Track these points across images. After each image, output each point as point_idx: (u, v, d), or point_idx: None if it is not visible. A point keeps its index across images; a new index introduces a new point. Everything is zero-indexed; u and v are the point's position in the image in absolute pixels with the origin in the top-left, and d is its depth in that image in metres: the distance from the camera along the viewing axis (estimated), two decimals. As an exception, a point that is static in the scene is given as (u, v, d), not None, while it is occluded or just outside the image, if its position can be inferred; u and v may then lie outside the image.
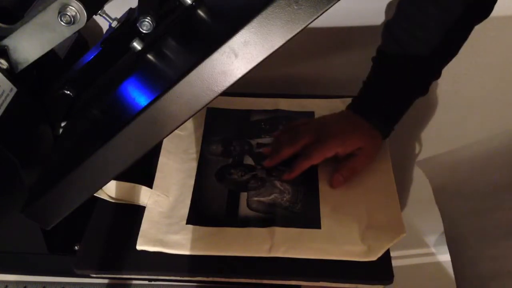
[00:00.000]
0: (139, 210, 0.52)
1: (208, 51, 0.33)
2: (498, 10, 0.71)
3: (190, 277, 0.49)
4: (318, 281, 0.47)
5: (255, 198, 0.53)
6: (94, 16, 0.43)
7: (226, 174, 0.56)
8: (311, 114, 0.63)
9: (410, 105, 0.58)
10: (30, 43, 0.41)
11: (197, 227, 0.50)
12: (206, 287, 0.50)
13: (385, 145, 0.59)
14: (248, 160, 0.57)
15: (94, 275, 0.50)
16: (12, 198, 0.46)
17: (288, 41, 0.33)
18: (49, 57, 0.44)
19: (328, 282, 0.47)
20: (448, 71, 0.79)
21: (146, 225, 0.50)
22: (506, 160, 0.63)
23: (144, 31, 0.40)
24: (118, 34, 0.47)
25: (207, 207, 0.52)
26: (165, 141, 0.58)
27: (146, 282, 0.51)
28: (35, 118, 0.47)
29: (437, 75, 0.57)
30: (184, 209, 0.52)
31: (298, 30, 0.32)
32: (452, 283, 0.63)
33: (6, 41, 0.41)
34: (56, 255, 0.51)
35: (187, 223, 0.51)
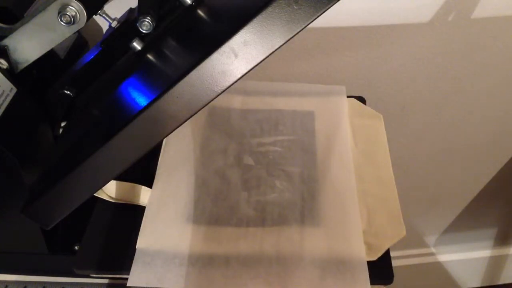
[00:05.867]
0: (139, 210, 0.52)
1: (208, 51, 0.33)
2: (498, 10, 0.71)
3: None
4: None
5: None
6: (94, 16, 0.44)
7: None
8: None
9: None
10: (30, 43, 0.41)
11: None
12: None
13: (385, 144, 0.59)
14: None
15: (94, 275, 0.51)
16: (12, 198, 0.46)
17: (288, 41, 0.33)
18: (49, 57, 0.44)
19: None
20: (449, 71, 0.79)
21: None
22: None
23: (144, 31, 0.40)
24: (118, 34, 0.47)
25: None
26: (165, 141, 0.59)
27: (146, 282, 0.51)
28: (35, 118, 0.47)
29: None
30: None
31: (298, 30, 0.32)
32: (452, 283, 0.63)
33: (6, 41, 0.41)
34: (56, 255, 0.51)
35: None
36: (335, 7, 0.32)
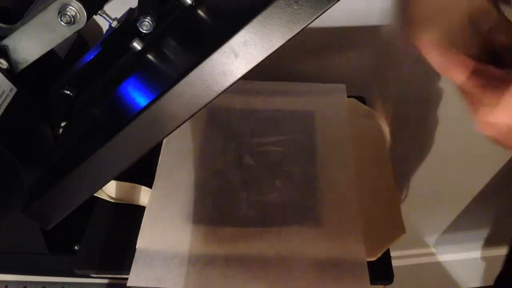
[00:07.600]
0: (139, 210, 0.52)
1: (208, 51, 0.33)
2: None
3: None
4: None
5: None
6: (94, 16, 0.43)
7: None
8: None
9: None
10: (30, 43, 0.41)
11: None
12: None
13: (384, 144, 0.59)
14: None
15: (94, 275, 0.51)
16: (12, 198, 0.46)
17: (288, 41, 0.33)
18: (49, 57, 0.44)
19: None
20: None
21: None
22: None
23: (144, 31, 0.40)
24: (118, 34, 0.47)
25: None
26: (165, 141, 0.59)
27: (146, 282, 0.51)
28: (35, 118, 0.47)
29: None
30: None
31: (298, 30, 0.32)
32: (452, 283, 0.63)
33: (6, 41, 0.41)
34: (56, 255, 0.51)
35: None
36: (335, 7, 0.32)
